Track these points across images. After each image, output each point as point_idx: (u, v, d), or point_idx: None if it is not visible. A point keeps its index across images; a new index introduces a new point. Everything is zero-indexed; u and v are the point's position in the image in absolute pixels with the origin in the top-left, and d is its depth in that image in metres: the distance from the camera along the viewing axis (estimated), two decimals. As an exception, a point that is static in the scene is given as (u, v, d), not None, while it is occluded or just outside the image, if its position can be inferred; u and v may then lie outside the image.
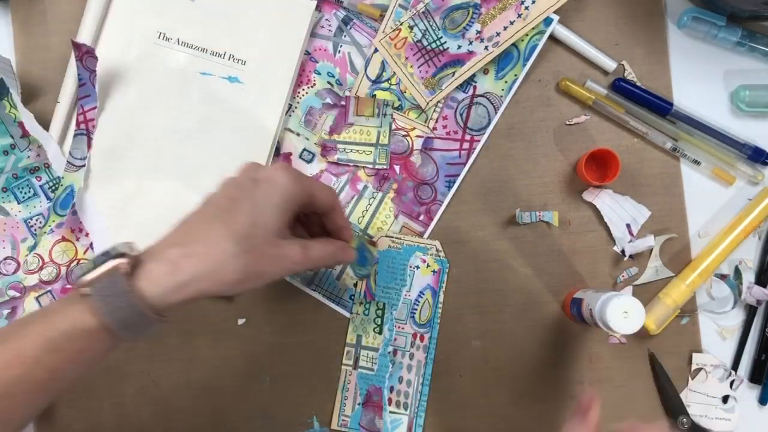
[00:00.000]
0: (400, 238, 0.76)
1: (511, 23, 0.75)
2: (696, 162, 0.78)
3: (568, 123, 0.78)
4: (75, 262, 0.74)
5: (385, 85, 0.77)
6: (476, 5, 0.75)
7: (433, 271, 0.77)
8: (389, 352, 0.76)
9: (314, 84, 0.77)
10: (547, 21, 0.76)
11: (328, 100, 0.77)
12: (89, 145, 0.74)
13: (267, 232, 0.57)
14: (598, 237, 0.78)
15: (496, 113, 0.77)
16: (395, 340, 0.76)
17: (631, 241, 0.77)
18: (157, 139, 0.75)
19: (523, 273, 0.77)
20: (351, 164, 0.77)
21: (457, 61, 0.76)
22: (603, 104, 0.77)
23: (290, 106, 0.77)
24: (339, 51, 0.77)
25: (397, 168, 0.77)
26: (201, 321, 0.77)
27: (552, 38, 0.77)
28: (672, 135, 0.78)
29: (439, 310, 0.77)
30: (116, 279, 0.52)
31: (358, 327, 0.76)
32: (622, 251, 0.77)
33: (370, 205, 0.77)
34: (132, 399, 0.76)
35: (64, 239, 0.74)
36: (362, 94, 0.77)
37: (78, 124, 0.74)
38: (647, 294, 0.77)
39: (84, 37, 0.73)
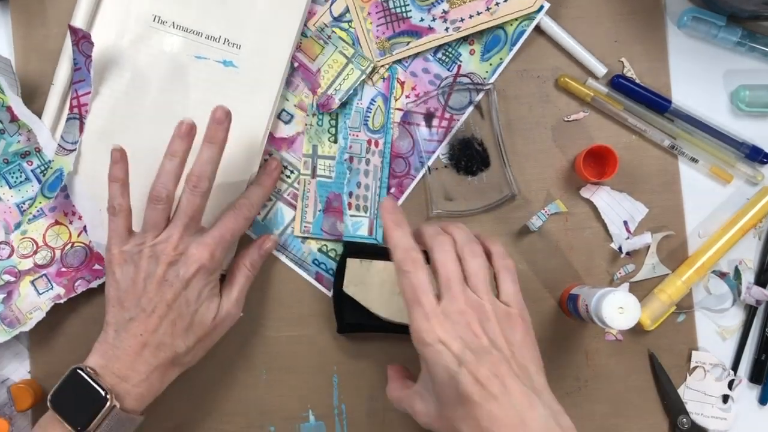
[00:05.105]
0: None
1: (478, 14, 0.76)
2: (694, 160, 0.78)
3: (566, 119, 0.78)
4: (69, 246, 0.75)
5: (345, 25, 0.77)
6: None
7: (383, 78, 0.77)
8: (345, 160, 0.77)
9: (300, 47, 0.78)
10: (539, 9, 0.76)
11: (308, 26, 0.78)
12: (81, 130, 0.74)
13: (206, 319, 0.67)
14: (596, 234, 0.78)
15: (477, 95, 0.77)
16: (350, 147, 0.77)
17: (628, 238, 0.76)
18: (151, 123, 0.75)
19: (519, 269, 0.76)
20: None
21: (415, 32, 0.76)
22: (602, 101, 0.77)
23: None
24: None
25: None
26: (196, 313, 0.77)
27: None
28: (670, 133, 0.78)
29: (392, 115, 0.77)
30: (117, 417, 0.62)
31: (313, 137, 0.77)
32: (619, 248, 0.77)
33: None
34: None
35: (57, 223, 0.74)
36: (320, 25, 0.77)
37: (71, 108, 0.74)
38: (644, 291, 0.77)
39: (79, 19, 0.73)
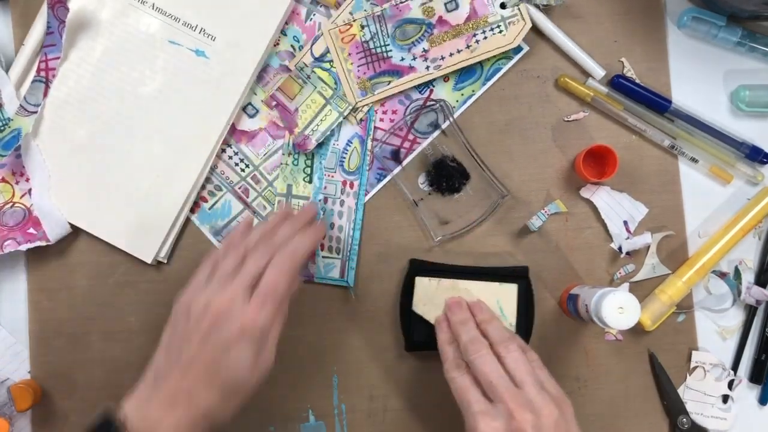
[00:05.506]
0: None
1: (458, 51, 0.76)
2: (694, 160, 0.78)
3: (566, 119, 0.78)
4: (9, 205, 0.74)
5: (327, 65, 0.77)
6: (430, 24, 0.76)
7: (360, 120, 0.77)
8: (320, 200, 0.77)
9: (278, 43, 0.78)
10: (517, 50, 0.77)
11: (286, 62, 0.78)
12: (45, 93, 0.74)
13: (245, 384, 0.62)
14: (596, 234, 0.77)
15: (445, 121, 0.77)
16: (325, 188, 0.77)
17: (628, 238, 0.76)
18: (113, 99, 0.75)
19: (519, 269, 0.77)
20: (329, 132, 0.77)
21: (396, 71, 0.77)
22: (601, 101, 0.77)
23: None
24: (311, 19, 0.78)
25: None
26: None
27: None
28: (670, 133, 0.78)
29: (368, 157, 0.77)
30: None
31: (288, 177, 0.77)
32: (619, 248, 0.77)
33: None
34: (130, 391, 0.76)
35: (3, 180, 0.74)
36: (300, 64, 0.77)
37: (38, 71, 0.74)
38: (644, 291, 0.77)
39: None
